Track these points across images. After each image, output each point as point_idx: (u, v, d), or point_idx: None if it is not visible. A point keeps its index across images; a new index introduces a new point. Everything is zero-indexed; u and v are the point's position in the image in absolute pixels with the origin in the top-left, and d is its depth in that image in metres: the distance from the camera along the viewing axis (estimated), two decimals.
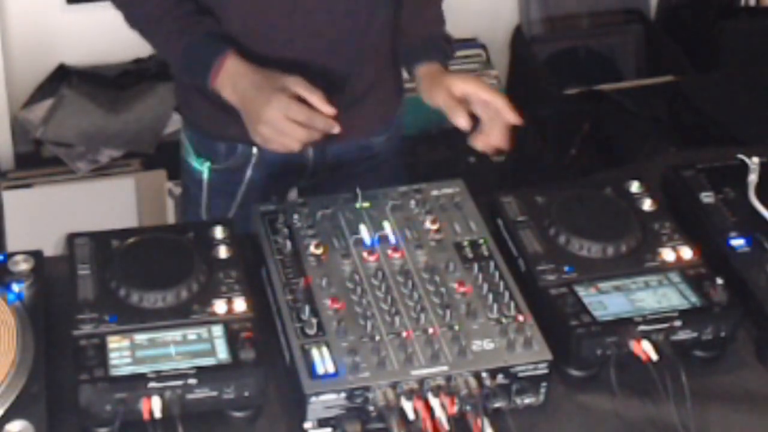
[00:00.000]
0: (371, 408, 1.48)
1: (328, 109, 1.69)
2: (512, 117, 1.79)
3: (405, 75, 2.05)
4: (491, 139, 1.81)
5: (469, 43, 3.53)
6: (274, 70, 1.74)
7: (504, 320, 1.58)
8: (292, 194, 2.17)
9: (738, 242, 1.76)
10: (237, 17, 1.82)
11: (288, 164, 1.96)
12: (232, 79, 1.75)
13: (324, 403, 1.47)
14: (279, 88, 1.69)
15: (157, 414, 1.42)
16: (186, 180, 2.11)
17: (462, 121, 1.77)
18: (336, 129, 1.70)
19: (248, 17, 1.81)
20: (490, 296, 1.62)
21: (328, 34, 1.84)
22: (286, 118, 1.67)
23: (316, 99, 1.69)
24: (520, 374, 1.53)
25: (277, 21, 1.82)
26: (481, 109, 1.80)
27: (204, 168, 2.01)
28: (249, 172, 1.97)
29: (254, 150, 1.94)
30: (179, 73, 1.86)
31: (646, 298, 1.63)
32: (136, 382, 1.43)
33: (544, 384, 1.56)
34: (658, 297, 1.63)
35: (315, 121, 1.68)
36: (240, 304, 1.56)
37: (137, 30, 1.87)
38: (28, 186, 3.11)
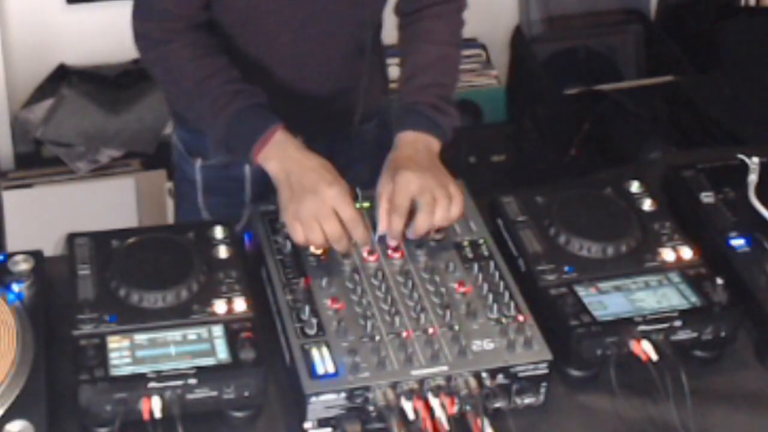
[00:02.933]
0: (371, 408, 1.48)
1: (365, 244, 1.67)
2: (382, 226, 1.69)
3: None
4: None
5: (469, 43, 3.52)
6: (320, 157, 1.69)
7: (504, 320, 1.58)
8: None
9: (738, 242, 1.76)
10: (233, 10, 1.80)
11: None
12: (282, 151, 1.69)
13: (324, 403, 1.47)
14: (338, 180, 1.65)
15: (157, 414, 1.42)
16: (180, 183, 2.09)
17: (379, 226, 1.70)
18: (367, 246, 1.67)
19: (244, 10, 1.80)
20: (490, 296, 1.62)
21: (321, 26, 1.84)
22: (333, 209, 1.62)
23: (359, 213, 1.65)
24: (520, 374, 1.53)
25: (272, 11, 1.80)
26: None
27: (196, 165, 1.98)
28: (248, 168, 1.93)
29: None
30: (219, 136, 1.75)
31: (646, 298, 1.63)
32: (136, 382, 1.43)
33: (544, 384, 1.56)
34: (658, 297, 1.64)
35: (357, 226, 1.64)
36: (240, 304, 1.56)
37: (176, 90, 1.81)
38: (28, 186, 3.11)
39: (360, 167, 2.00)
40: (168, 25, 1.75)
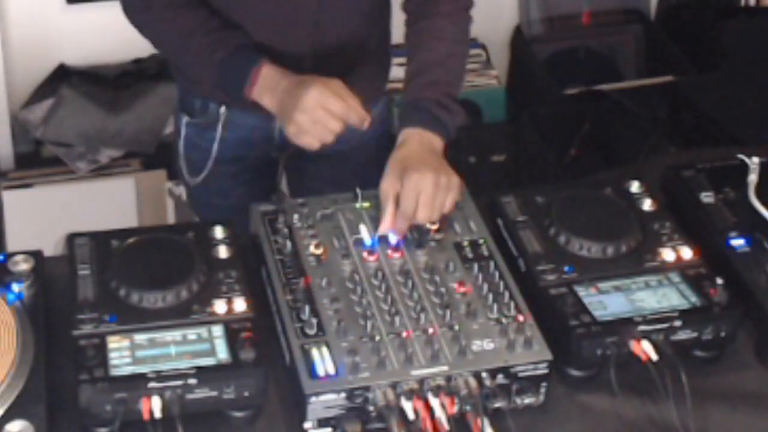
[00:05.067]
0: (371, 408, 1.48)
1: (360, 110, 1.72)
2: (387, 225, 1.70)
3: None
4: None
5: (469, 42, 3.52)
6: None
7: (504, 320, 1.58)
8: (284, 186, 2.25)
9: (738, 242, 1.76)
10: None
11: (256, 129, 2.02)
12: (271, 84, 1.78)
13: (324, 403, 1.47)
14: (319, 81, 1.72)
15: (157, 414, 1.42)
16: (175, 136, 2.17)
17: (382, 225, 1.71)
18: (367, 124, 1.73)
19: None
20: (490, 296, 1.62)
21: (318, 13, 1.87)
22: (323, 108, 1.69)
23: (352, 99, 1.72)
24: (520, 374, 1.53)
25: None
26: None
27: (182, 121, 2.08)
28: (219, 130, 2.03)
29: (222, 109, 2.00)
30: (213, 85, 1.86)
31: (646, 298, 1.63)
32: (136, 382, 1.43)
33: (544, 384, 1.56)
34: (658, 297, 1.64)
35: (350, 113, 1.71)
36: (240, 304, 1.56)
37: (166, 48, 1.93)
38: (28, 186, 3.11)
39: (356, 170, 2.01)
40: None
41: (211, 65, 1.81)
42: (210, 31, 1.82)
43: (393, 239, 1.69)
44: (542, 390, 1.56)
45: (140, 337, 1.50)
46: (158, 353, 1.48)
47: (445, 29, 1.90)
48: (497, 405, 1.52)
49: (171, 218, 3.10)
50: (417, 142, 1.77)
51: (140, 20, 1.87)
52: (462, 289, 1.63)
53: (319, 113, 1.70)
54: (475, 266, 1.67)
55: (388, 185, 1.72)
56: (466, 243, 1.71)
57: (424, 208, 1.69)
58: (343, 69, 1.88)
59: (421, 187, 1.69)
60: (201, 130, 2.06)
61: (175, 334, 1.51)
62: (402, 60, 1.93)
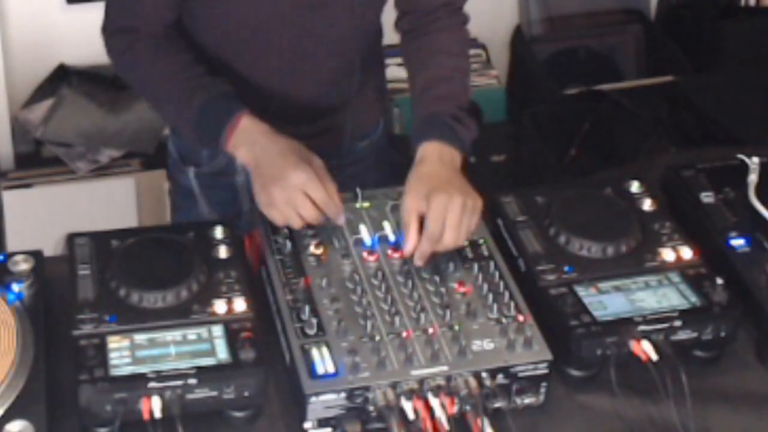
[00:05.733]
0: (371, 408, 1.48)
1: (339, 203, 1.66)
2: (410, 246, 1.66)
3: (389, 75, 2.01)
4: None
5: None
6: (287, 133, 1.70)
7: (504, 320, 1.58)
8: None
9: (738, 242, 1.76)
10: (223, 31, 1.80)
11: None
12: (249, 138, 1.69)
13: (324, 403, 1.47)
14: (305, 160, 1.65)
15: (157, 414, 1.42)
16: (177, 193, 2.09)
17: (407, 245, 1.66)
18: (341, 221, 1.68)
19: (234, 28, 1.79)
20: (490, 296, 1.62)
21: (309, 44, 1.82)
22: (304, 193, 1.62)
23: (332, 187, 1.66)
24: (520, 374, 1.53)
25: (262, 28, 1.79)
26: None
27: (190, 173, 1.99)
28: (240, 178, 1.95)
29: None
30: (190, 133, 1.76)
31: (646, 298, 1.63)
32: (136, 382, 1.43)
33: (544, 384, 1.56)
34: (658, 297, 1.64)
35: (328, 205, 1.64)
36: (240, 304, 1.56)
37: (146, 91, 1.83)
38: (28, 186, 3.11)
39: (350, 181, 1.99)
40: (131, 36, 1.78)
41: (189, 111, 1.73)
42: (192, 77, 1.75)
43: (418, 263, 1.65)
44: (542, 390, 1.56)
45: (140, 337, 1.50)
46: (158, 353, 1.48)
47: (446, 44, 1.86)
48: (497, 405, 1.52)
49: (171, 218, 3.10)
50: (438, 158, 1.71)
51: (123, 62, 1.81)
52: (462, 289, 1.63)
53: (299, 198, 1.62)
54: (475, 266, 1.66)
55: (411, 204, 1.65)
56: (466, 243, 1.70)
57: (451, 232, 1.63)
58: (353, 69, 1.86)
59: (449, 209, 1.62)
60: (214, 179, 1.98)
61: (175, 334, 1.51)
62: (399, 60, 1.92)
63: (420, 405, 1.47)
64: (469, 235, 1.66)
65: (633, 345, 1.57)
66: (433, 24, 1.87)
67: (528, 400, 1.56)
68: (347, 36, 1.85)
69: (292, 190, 1.62)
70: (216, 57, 1.82)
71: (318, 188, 1.63)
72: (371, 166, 2.07)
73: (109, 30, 1.83)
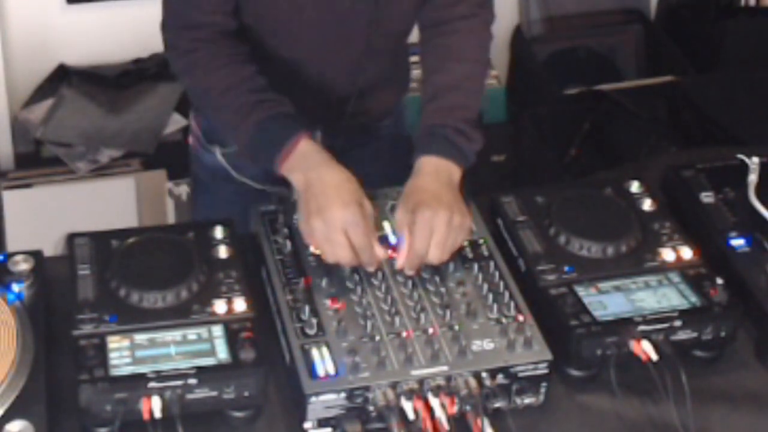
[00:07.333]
0: (371, 408, 1.48)
1: (380, 253, 1.64)
2: (401, 261, 1.65)
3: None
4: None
5: None
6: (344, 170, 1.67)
7: (504, 320, 1.58)
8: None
9: (738, 242, 1.76)
10: (251, 11, 1.77)
11: None
12: (305, 163, 1.67)
13: (324, 403, 1.47)
14: (356, 201, 1.63)
15: (157, 414, 1.42)
16: (200, 175, 2.05)
17: (398, 262, 1.65)
18: (372, 268, 1.64)
19: (261, 10, 1.76)
20: (490, 296, 1.62)
21: (341, 26, 1.80)
22: (345, 234, 1.60)
23: (374, 234, 1.64)
24: (520, 374, 1.53)
25: (289, 14, 1.76)
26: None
27: (217, 152, 1.96)
28: None
29: None
30: (243, 148, 1.74)
31: (646, 298, 1.63)
32: (136, 382, 1.43)
33: (544, 384, 1.56)
34: (658, 297, 1.64)
35: (364, 252, 1.62)
36: (240, 304, 1.56)
37: (203, 99, 1.80)
38: (28, 186, 3.11)
39: (374, 165, 1.96)
40: (194, 34, 1.74)
41: (246, 125, 1.69)
42: (254, 90, 1.71)
43: (393, 239, 1.68)
44: (542, 390, 1.56)
45: (140, 337, 1.50)
46: (158, 353, 1.48)
47: (463, 48, 1.83)
48: (497, 405, 1.52)
49: (171, 218, 3.10)
50: (433, 172, 1.71)
51: (182, 65, 1.77)
52: (462, 289, 1.63)
53: (339, 237, 1.60)
54: (475, 266, 1.66)
55: (400, 218, 1.66)
56: (466, 243, 1.70)
57: (436, 249, 1.62)
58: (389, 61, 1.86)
59: (434, 225, 1.62)
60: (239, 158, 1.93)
61: (175, 334, 1.51)
62: (416, 58, 1.91)
63: (420, 405, 1.47)
64: (453, 250, 1.65)
65: (633, 345, 1.57)
66: (452, 23, 1.84)
67: (528, 400, 1.56)
68: (380, 21, 1.81)
69: (333, 227, 1.60)
70: (255, 31, 1.79)
71: (360, 233, 1.61)
72: (391, 145, 2.06)
73: (168, 26, 1.77)
